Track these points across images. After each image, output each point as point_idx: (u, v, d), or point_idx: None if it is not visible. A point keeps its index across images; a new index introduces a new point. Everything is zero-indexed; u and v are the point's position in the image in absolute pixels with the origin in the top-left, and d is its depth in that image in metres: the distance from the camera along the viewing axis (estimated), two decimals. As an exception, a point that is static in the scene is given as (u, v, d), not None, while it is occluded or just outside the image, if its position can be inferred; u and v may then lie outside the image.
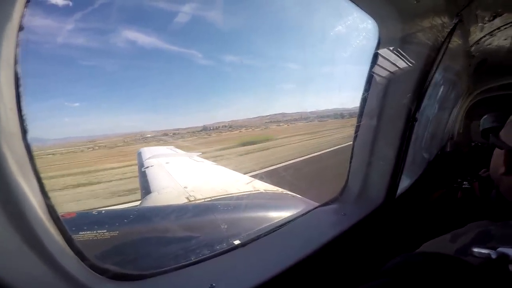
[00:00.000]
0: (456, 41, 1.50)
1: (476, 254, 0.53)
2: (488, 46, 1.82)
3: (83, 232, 1.13)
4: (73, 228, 1.15)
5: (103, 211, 1.46)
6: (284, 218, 1.24)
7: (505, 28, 1.51)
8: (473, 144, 3.26)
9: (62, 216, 1.24)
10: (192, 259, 0.84)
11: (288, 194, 2.28)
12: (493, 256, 0.51)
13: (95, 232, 1.15)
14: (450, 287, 0.50)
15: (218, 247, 0.95)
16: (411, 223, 1.37)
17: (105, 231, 1.17)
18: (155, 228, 1.35)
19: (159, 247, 1.20)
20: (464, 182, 1.41)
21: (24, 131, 0.50)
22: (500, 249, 0.51)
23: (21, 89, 0.49)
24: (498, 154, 0.90)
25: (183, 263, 0.81)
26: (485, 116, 2.30)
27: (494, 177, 0.96)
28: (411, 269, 0.55)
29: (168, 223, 1.42)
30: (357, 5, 0.99)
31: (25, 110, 0.50)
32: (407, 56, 1.15)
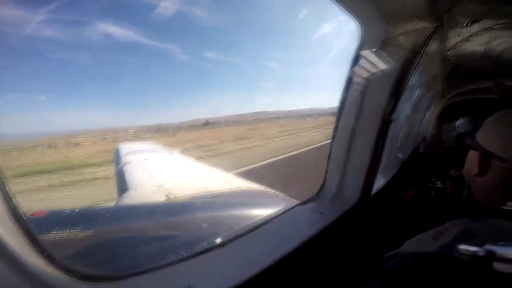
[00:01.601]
0: (434, 45, 1.57)
1: (463, 252, 0.54)
2: (463, 51, 1.90)
3: (55, 232, 1.08)
4: (44, 228, 1.09)
5: (76, 210, 1.39)
6: (263, 217, 1.25)
7: (481, 33, 1.58)
8: (445, 145, 3.45)
9: (31, 215, 1.18)
10: (170, 259, 0.83)
11: (270, 191, 2.29)
12: (481, 253, 0.52)
13: (67, 231, 1.10)
14: (450, 287, 0.51)
15: (196, 247, 0.94)
16: (386, 221, 1.43)
17: (78, 230, 1.12)
18: (132, 227, 1.31)
19: (136, 247, 1.16)
20: (437, 182, 1.49)
21: None
22: (486, 247, 0.52)
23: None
24: (472, 156, 0.95)
25: (160, 264, 0.80)
26: (459, 121, 2.44)
27: (466, 177, 1.02)
28: (410, 269, 0.55)
29: (146, 222, 1.38)
30: (341, 5, 1.00)
31: None
32: (387, 58, 1.18)
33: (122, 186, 2.50)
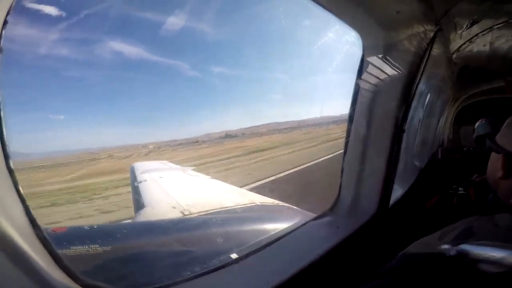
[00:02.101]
0: (438, 49, 1.56)
1: (442, 251, 0.54)
2: (468, 53, 1.89)
3: (75, 247, 1.10)
4: (64, 243, 1.11)
5: (95, 226, 1.43)
6: (277, 233, 1.23)
7: (483, 34, 1.57)
8: (465, 149, 3.32)
9: (52, 231, 1.22)
10: (184, 276, 0.82)
11: (285, 206, 2.26)
12: (451, 253, 0.53)
13: (87, 247, 1.12)
14: (449, 287, 0.51)
15: (211, 263, 0.93)
16: (408, 232, 1.38)
17: (97, 246, 1.14)
18: (148, 243, 1.32)
19: (152, 263, 1.17)
20: (460, 188, 1.43)
21: (2, 143, 0.47)
22: (462, 246, 0.52)
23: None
24: (495, 159, 0.91)
25: (174, 281, 0.80)
26: (478, 123, 2.36)
27: (491, 182, 0.97)
28: (410, 269, 0.55)
29: (162, 238, 1.39)
30: (339, 18, 1.02)
31: (3, 121, 0.47)
32: (391, 66, 1.18)
33: (138, 204, 2.54)
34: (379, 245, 1.28)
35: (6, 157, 0.47)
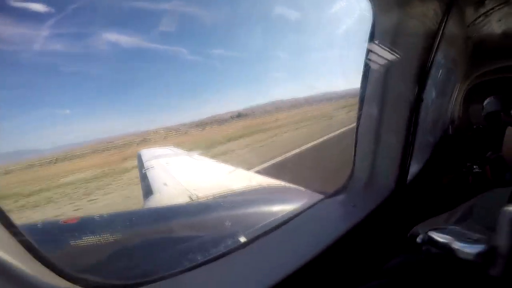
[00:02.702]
0: (452, 22, 1.46)
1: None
2: (484, 27, 1.79)
3: (86, 237, 1.11)
4: (75, 234, 1.13)
5: (105, 215, 1.44)
6: (288, 213, 1.21)
7: (498, 8, 1.47)
8: (474, 127, 3.25)
9: (64, 222, 1.23)
10: (193, 262, 0.80)
11: (292, 187, 2.26)
12: (419, 240, 0.53)
13: (98, 236, 1.13)
14: (448, 287, 0.50)
15: (220, 248, 0.92)
16: (425, 211, 1.35)
17: (108, 235, 1.15)
18: (158, 230, 1.33)
19: (162, 250, 1.17)
20: (474, 166, 1.39)
21: None
22: (430, 233, 0.52)
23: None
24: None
25: (181, 269, 0.77)
26: (487, 100, 2.28)
27: (508, 158, 0.93)
28: (410, 269, 0.55)
29: (171, 224, 1.40)
30: None
31: None
32: (405, 38, 1.11)
33: (147, 190, 2.56)
34: (399, 223, 1.26)
35: None
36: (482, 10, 1.50)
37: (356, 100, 1.22)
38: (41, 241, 0.57)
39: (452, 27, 1.49)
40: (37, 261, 0.53)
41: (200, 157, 3.92)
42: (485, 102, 2.27)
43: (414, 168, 1.58)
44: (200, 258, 0.86)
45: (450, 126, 3.59)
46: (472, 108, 3.68)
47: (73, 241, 1.07)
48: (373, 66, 1.14)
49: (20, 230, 0.51)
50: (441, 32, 1.16)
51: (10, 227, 0.50)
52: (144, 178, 2.96)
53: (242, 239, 1.14)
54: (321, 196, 1.45)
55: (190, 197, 2.09)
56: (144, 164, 3.45)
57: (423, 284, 0.51)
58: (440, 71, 2.29)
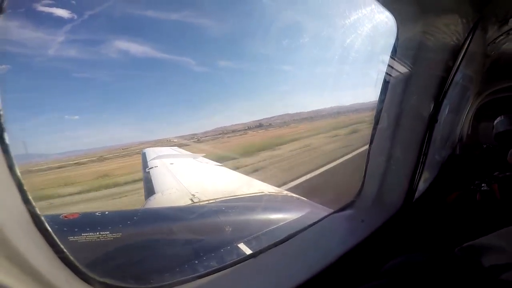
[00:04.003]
0: (475, 40, 1.46)
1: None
2: (503, 46, 1.77)
3: (86, 234, 1.11)
4: (75, 229, 1.13)
5: (106, 212, 1.44)
6: (292, 222, 1.19)
7: None
8: (484, 146, 3.20)
9: (64, 216, 1.23)
10: (198, 271, 0.79)
11: (292, 196, 2.25)
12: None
13: (97, 233, 1.13)
14: (448, 287, 0.50)
15: (226, 258, 0.91)
16: (432, 226, 1.32)
17: (107, 232, 1.15)
18: (158, 230, 1.32)
19: (161, 251, 1.17)
20: (483, 184, 1.38)
21: (1, 137, 0.42)
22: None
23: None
24: None
25: (188, 277, 0.76)
26: (498, 119, 2.25)
27: None
28: (409, 270, 0.55)
29: (172, 226, 1.39)
30: None
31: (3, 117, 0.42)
32: (426, 55, 1.09)
33: (149, 190, 2.57)
34: (405, 239, 1.24)
35: (5, 150, 0.43)
36: (505, 29, 1.49)
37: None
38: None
39: (474, 45, 1.48)
40: (55, 257, 0.52)
41: (204, 160, 3.92)
42: (496, 121, 2.24)
43: (421, 186, 1.56)
44: (203, 266, 0.85)
45: (458, 144, 3.54)
46: (481, 126, 3.62)
47: (72, 237, 1.08)
48: (392, 82, 1.13)
49: (44, 223, 0.50)
50: (464, 50, 1.14)
51: (43, 229, 0.50)
52: (147, 177, 2.97)
53: (245, 248, 1.12)
54: (320, 206, 1.43)
55: (191, 199, 2.09)
56: (148, 163, 3.46)
57: (422, 284, 0.51)
58: (456, 88, 2.27)
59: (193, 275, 0.76)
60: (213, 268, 0.81)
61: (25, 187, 0.46)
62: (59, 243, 0.51)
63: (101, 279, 0.62)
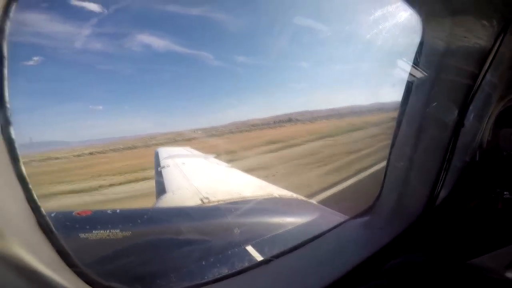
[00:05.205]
0: (504, 43, 1.39)
1: None
2: None
3: (96, 231, 1.14)
4: (87, 226, 1.15)
5: (117, 211, 1.47)
6: (303, 227, 1.16)
7: None
8: (505, 153, 3.06)
9: (77, 213, 1.26)
10: (210, 276, 0.78)
11: (303, 200, 2.21)
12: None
13: (108, 231, 1.15)
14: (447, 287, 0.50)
15: (235, 261, 0.89)
16: (454, 235, 1.26)
17: (118, 231, 1.17)
18: (167, 230, 1.33)
19: (170, 251, 1.17)
20: (505, 192, 1.31)
21: (6, 131, 0.41)
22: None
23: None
24: None
25: (201, 282, 0.75)
26: None
27: None
28: (409, 270, 0.57)
29: (181, 226, 1.40)
30: None
31: (9, 110, 0.41)
32: (453, 57, 1.04)
33: (160, 189, 2.60)
34: (426, 247, 1.18)
35: (10, 144, 0.42)
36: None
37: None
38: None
39: (503, 48, 1.41)
40: (57, 257, 0.51)
41: (215, 160, 3.94)
42: None
43: (442, 193, 1.50)
44: (209, 265, 0.84)
45: (479, 151, 3.40)
46: (502, 133, 3.47)
47: (84, 234, 1.10)
48: (416, 85, 1.08)
49: (47, 220, 0.50)
50: (492, 54, 1.08)
51: (48, 232, 0.49)
52: (159, 176, 3.01)
53: (254, 251, 1.11)
54: (330, 210, 1.38)
55: (201, 200, 2.10)
56: (161, 162, 3.52)
57: (422, 285, 0.52)
58: (482, 93, 2.17)
59: (201, 282, 0.74)
60: (222, 275, 0.79)
61: (30, 186, 0.44)
62: (62, 244, 0.50)
63: (105, 283, 0.60)
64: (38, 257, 0.44)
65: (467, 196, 1.56)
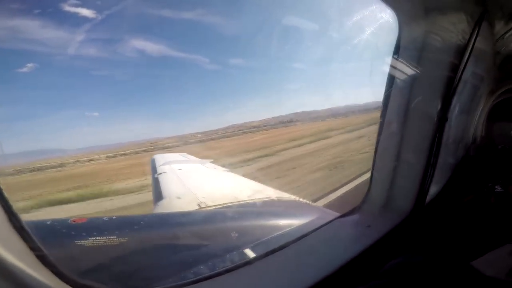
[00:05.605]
0: (482, 35, 1.42)
1: None
2: None
3: (92, 238, 1.13)
4: (83, 234, 1.14)
5: (113, 217, 1.46)
6: (300, 230, 1.16)
7: None
8: (499, 147, 3.09)
9: (73, 221, 1.25)
10: (199, 273, 0.79)
11: (302, 202, 2.21)
12: None
13: (104, 238, 1.14)
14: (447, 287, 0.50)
15: (226, 259, 0.89)
16: (445, 231, 1.26)
17: (114, 237, 1.16)
18: (165, 236, 1.32)
19: (167, 256, 1.17)
20: (496, 186, 1.33)
21: None
22: None
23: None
24: None
25: (186, 280, 0.75)
26: None
27: None
28: (408, 270, 0.55)
29: (178, 231, 1.39)
30: None
31: None
32: (431, 53, 1.06)
33: (157, 195, 2.59)
34: (415, 245, 1.19)
35: None
36: (513, 23, 1.44)
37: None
38: (47, 239, 0.58)
39: (481, 41, 1.44)
40: (40, 263, 0.51)
41: (212, 165, 3.94)
42: None
43: (433, 189, 1.51)
44: (206, 270, 0.84)
45: (472, 145, 3.43)
46: (496, 127, 3.50)
47: (79, 241, 1.09)
48: (397, 81, 1.09)
49: (29, 233, 0.49)
50: (470, 46, 1.10)
51: (20, 230, 0.48)
52: (156, 182, 2.99)
53: (251, 253, 1.11)
54: (330, 212, 1.39)
55: (199, 204, 2.09)
56: (157, 168, 3.50)
57: (422, 285, 0.51)
58: (466, 87, 2.21)
59: (188, 280, 0.75)
60: (213, 272, 0.80)
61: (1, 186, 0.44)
62: (38, 244, 0.50)
63: (83, 282, 0.60)
64: (16, 258, 0.45)
65: (460, 191, 1.57)
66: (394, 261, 0.59)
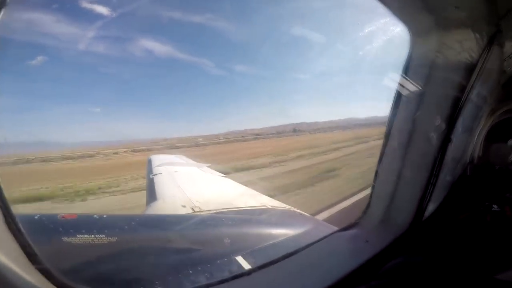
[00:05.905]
0: (491, 55, 1.43)
1: None
2: None
3: (81, 235, 1.10)
4: (71, 230, 1.11)
5: (104, 216, 1.43)
6: (293, 238, 1.14)
7: None
8: (497, 167, 3.10)
9: (62, 217, 1.22)
10: (190, 281, 0.76)
11: (296, 211, 2.19)
12: None
13: (93, 236, 1.11)
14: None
15: (220, 272, 0.87)
16: (442, 248, 1.25)
17: (103, 236, 1.13)
18: (154, 238, 1.30)
19: (155, 259, 1.14)
20: (493, 205, 1.33)
21: None
22: None
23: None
24: None
25: None
26: None
27: None
28: (408, 270, 0.55)
29: (169, 234, 1.36)
30: (388, 9, 0.90)
31: None
32: (441, 70, 1.05)
33: (151, 196, 2.56)
34: (412, 262, 1.18)
35: None
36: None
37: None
38: (35, 234, 0.56)
39: (491, 60, 1.45)
40: (26, 259, 0.49)
41: (209, 170, 3.91)
42: (510, 142, 2.18)
43: (430, 206, 1.50)
44: (196, 276, 0.81)
45: (469, 165, 3.43)
46: (494, 147, 3.52)
47: (67, 238, 1.06)
48: (404, 98, 1.08)
49: (22, 233, 0.48)
50: (480, 66, 1.10)
51: (15, 230, 0.47)
52: (150, 183, 2.97)
53: (243, 261, 1.08)
54: (323, 222, 1.37)
55: (192, 208, 2.06)
56: (153, 169, 3.48)
57: (421, 285, 0.52)
58: (470, 107, 2.21)
59: None
60: (208, 283, 0.78)
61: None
62: (31, 244, 0.48)
63: (70, 283, 0.58)
64: (4, 255, 0.43)
65: (457, 210, 1.57)
66: (394, 261, 0.59)
